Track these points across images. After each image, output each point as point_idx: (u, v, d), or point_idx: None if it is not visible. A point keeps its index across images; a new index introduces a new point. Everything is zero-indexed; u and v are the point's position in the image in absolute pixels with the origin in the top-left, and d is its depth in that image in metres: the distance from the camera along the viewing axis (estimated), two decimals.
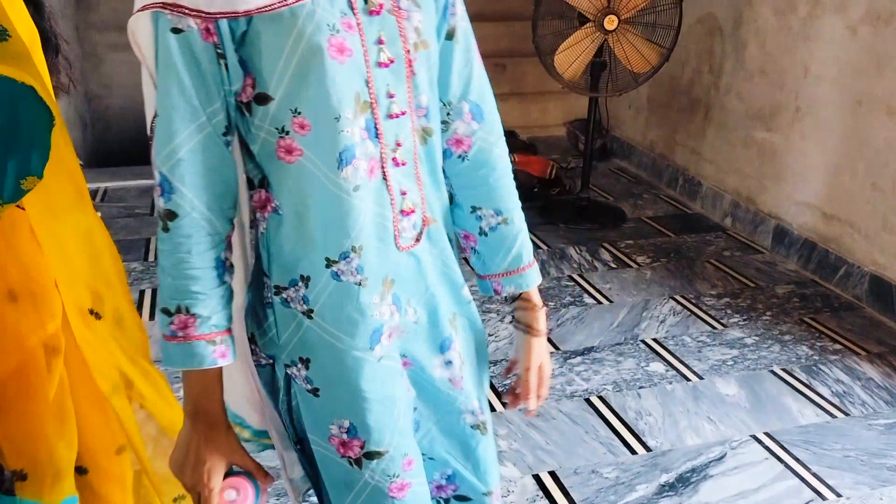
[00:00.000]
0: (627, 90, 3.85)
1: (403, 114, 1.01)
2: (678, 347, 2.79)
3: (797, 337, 2.87)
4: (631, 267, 3.44)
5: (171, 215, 0.96)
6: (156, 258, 3.34)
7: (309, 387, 1.07)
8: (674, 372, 2.64)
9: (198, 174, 0.95)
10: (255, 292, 1.09)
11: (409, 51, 1.00)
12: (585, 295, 3.16)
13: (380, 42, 0.97)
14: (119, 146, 5.31)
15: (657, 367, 2.66)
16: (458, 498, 1.24)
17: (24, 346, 1.25)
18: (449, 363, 1.14)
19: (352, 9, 0.95)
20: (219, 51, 0.93)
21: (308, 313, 1.04)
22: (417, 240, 1.07)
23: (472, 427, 1.19)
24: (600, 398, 2.47)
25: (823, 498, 2.06)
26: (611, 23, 3.54)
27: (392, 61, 0.99)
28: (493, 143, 1.14)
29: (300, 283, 1.03)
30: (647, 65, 3.66)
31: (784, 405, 2.46)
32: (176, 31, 0.91)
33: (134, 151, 5.15)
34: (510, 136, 5.12)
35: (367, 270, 1.02)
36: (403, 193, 1.04)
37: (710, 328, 2.93)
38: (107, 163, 4.97)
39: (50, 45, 1.41)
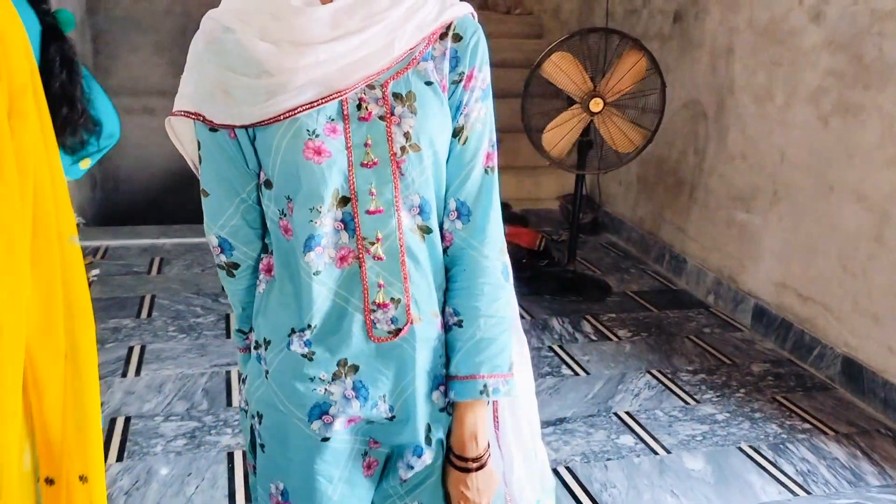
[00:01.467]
0: (612, 169, 4.00)
1: (382, 211, 1.07)
2: (650, 421, 2.84)
3: (768, 415, 2.92)
4: (611, 340, 3.52)
5: (235, 266, 1.17)
6: (149, 315, 3.46)
7: (260, 441, 1.16)
8: (643, 445, 2.69)
9: (246, 234, 1.14)
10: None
11: (395, 154, 1.06)
12: (563, 366, 3.23)
13: (365, 145, 1.06)
14: (126, 206, 5.49)
15: (627, 439, 2.71)
16: None
17: None
18: (409, 467, 1.15)
19: (342, 115, 1.06)
20: (241, 146, 1.09)
21: (266, 373, 1.14)
22: (396, 334, 1.09)
23: None
24: (567, 468, 2.52)
25: None
26: (596, 105, 3.71)
27: (376, 163, 1.06)
28: (473, 246, 1.13)
29: (263, 345, 1.14)
30: (632, 145, 3.81)
31: (748, 481, 2.50)
32: (212, 129, 1.08)
33: (138, 212, 5.33)
34: (503, 207, 5.28)
35: (317, 347, 1.09)
36: (381, 286, 1.08)
37: (683, 403, 2.99)
38: (113, 221, 5.14)
39: (73, 107, 1.57)
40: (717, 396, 3.04)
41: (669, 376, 3.19)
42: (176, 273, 3.97)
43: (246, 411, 1.20)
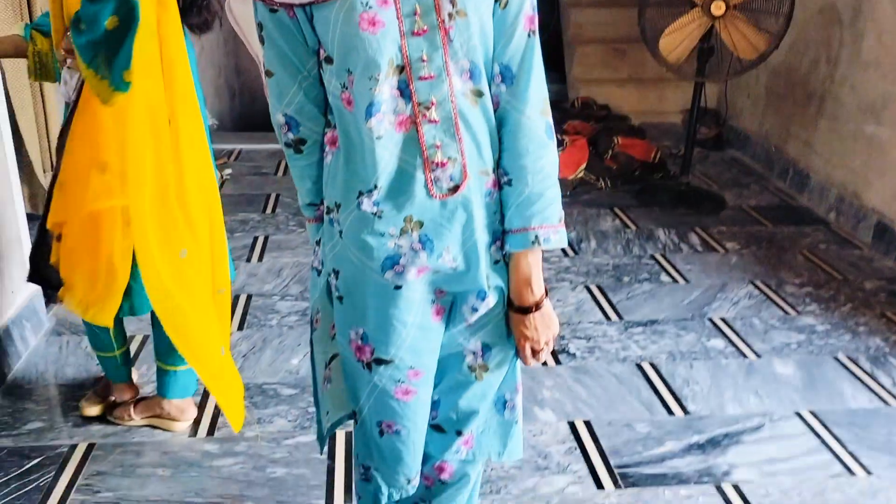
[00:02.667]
0: (733, 77, 3.84)
1: (434, 77, 1.15)
2: (744, 328, 2.83)
3: (872, 329, 2.83)
4: (717, 252, 3.47)
5: (303, 142, 1.26)
6: (273, 210, 3.75)
7: (338, 294, 1.30)
8: (733, 349, 2.69)
9: (310, 111, 1.24)
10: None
11: (443, 21, 1.14)
12: (663, 273, 3.24)
13: (415, 14, 1.14)
14: (260, 115, 5.82)
15: (717, 342, 2.73)
16: (434, 427, 1.37)
17: (96, 207, 1.70)
18: (474, 310, 1.26)
19: None
20: (300, 24, 1.19)
21: (340, 233, 1.27)
22: (454, 191, 1.17)
23: (468, 367, 1.31)
24: (651, 365, 2.58)
25: (852, 473, 2.09)
26: (718, 8, 3.56)
27: (425, 31, 1.14)
28: (517, 108, 1.20)
29: (335, 208, 1.27)
30: (755, 52, 3.64)
31: (838, 389, 2.47)
32: (272, 10, 1.18)
33: (269, 120, 5.64)
34: (621, 119, 5.19)
35: (384, 205, 1.18)
36: (437, 147, 1.16)
37: (782, 313, 2.94)
38: (248, 128, 5.49)
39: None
40: (821, 309, 2.97)
41: (773, 287, 3.13)
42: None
43: (319, 271, 1.34)
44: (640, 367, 2.57)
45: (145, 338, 2.58)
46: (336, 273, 1.28)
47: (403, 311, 1.23)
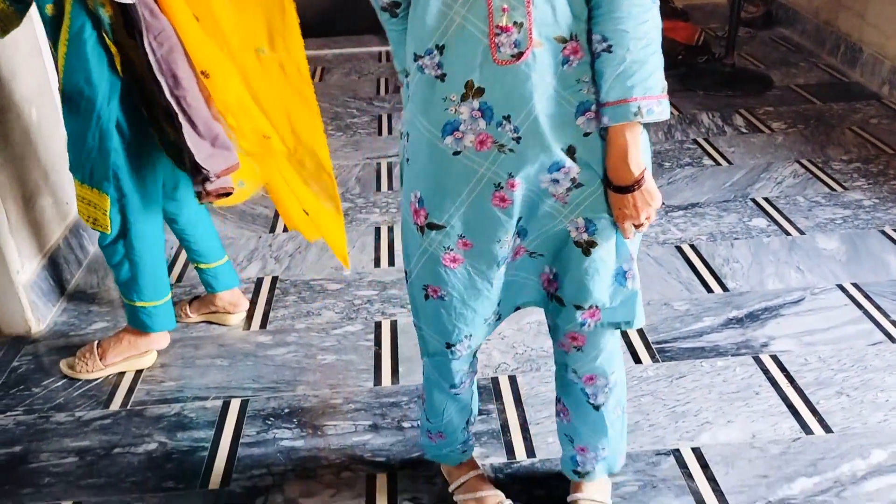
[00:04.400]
0: None
1: None
2: (788, 206, 2.79)
3: None
4: (763, 132, 3.39)
5: (397, 5, 1.25)
6: None
7: (406, 155, 1.31)
8: (775, 227, 2.67)
9: None
10: None
11: None
12: (706, 157, 3.19)
13: None
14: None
15: (759, 222, 2.70)
16: (555, 298, 1.36)
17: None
18: (555, 181, 1.21)
19: None
20: None
21: (408, 97, 1.27)
22: (518, 57, 1.12)
23: (574, 243, 1.28)
24: (691, 246, 2.58)
25: (893, 341, 2.09)
26: None
27: None
28: None
29: (406, 72, 1.27)
30: None
31: (883, 261, 2.44)
32: None
33: (305, 26, 5.58)
34: (663, 2, 4.98)
35: (447, 68, 1.16)
36: (504, 10, 1.10)
37: (828, 190, 2.88)
38: None
39: None
40: (869, 184, 2.90)
41: (819, 165, 3.06)
42: (336, 80, 4.24)
43: (401, 134, 1.35)
44: (679, 248, 2.57)
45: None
46: (406, 136, 1.29)
47: (457, 182, 1.23)
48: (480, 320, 1.38)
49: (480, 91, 1.16)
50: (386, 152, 3.40)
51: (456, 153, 1.21)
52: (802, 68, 4.10)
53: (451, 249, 1.29)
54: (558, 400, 1.56)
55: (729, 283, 2.39)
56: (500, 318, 1.44)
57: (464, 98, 1.17)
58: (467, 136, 1.19)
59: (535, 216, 1.27)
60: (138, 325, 2.07)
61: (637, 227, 1.24)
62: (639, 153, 1.18)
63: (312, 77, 4.26)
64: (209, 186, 1.80)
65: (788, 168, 3.06)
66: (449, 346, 1.40)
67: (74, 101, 1.76)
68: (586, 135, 1.18)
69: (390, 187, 3.09)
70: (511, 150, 1.19)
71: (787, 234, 2.62)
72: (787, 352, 2.08)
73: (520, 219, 1.27)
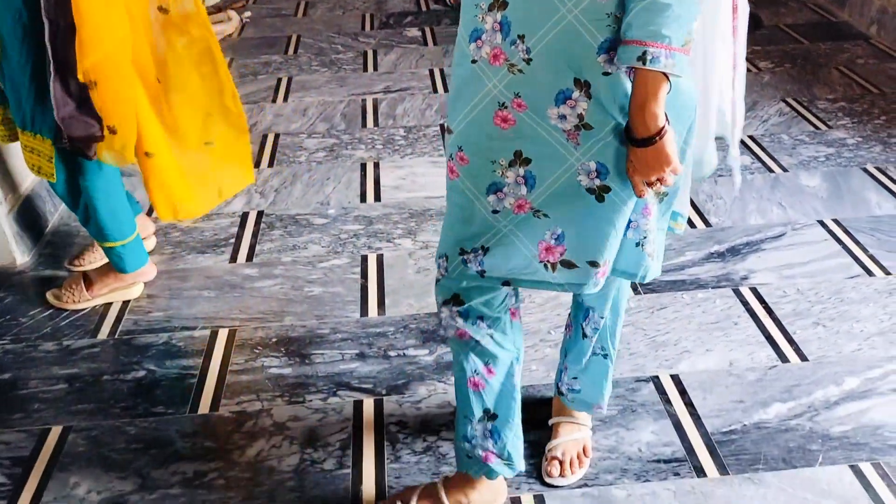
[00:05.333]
0: None
1: None
2: (772, 144, 2.80)
3: None
4: (749, 71, 3.38)
5: None
6: (295, 52, 3.72)
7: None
8: (759, 164, 2.69)
9: None
10: None
11: None
12: None
13: None
14: None
15: (743, 160, 2.72)
16: (564, 263, 1.25)
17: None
18: (562, 117, 1.15)
19: None
20: None
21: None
22: None
23: (586, 189, 1.19)
24: None
25: (871, 274, 2.14)
26: None
27: None
28: None
29: None
30: None
31: (864, 198, 2.48)
32: None
33: None
34: None
35: None
36: None
37: (813, 128, 2.90)
38: None
39: None
40: (854, 122, 2.91)
41: (805, 104, 3.07)
42: (319, 15, 4.17)
43: None
44: None
45: None
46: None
47: (470, 89, 1.21)
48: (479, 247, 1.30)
49: (504, 4, 1.13)
50: (371, 88, 3.36)
51: (474, 61, 1.19)
52: (791, 8, 4.08)
53: (452, 158, 1.27)
54: (570, 314, 1.59)
55: (712, 218, 2.41)
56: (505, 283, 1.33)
57: (490, 8, 1.15)
58: (485, 47, 1.17)
59: (544, 158, 1.20)
60: (116, 263, 2.07)
61: (649, 185, 1.16)
62: (657, 107, 1.08)
63: (295, 13, 4.20)
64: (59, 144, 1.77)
65: (774, 107, 3.07)
66: (462, 251, 1.29)
67: None
68: (606, 74, 1.11)
69: (376, 123, 3.07)
70: (520, 71, 1.15)
71: (771, 171, 2.64)
72: (767, 284, 2.12)
73: (528, 160, 1.20)
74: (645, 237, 1.27)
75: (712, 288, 2.11)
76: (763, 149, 2.78)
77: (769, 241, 2.30)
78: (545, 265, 1.25)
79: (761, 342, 1.92)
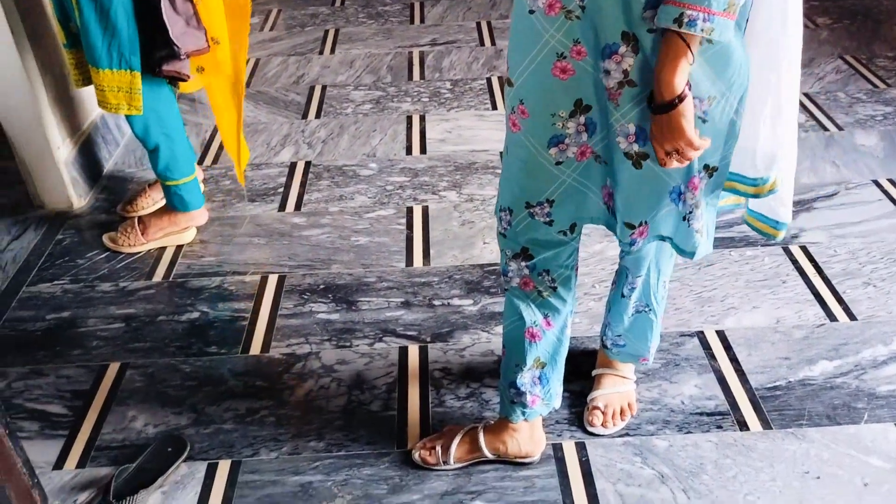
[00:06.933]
0: None
1: None
2: (828, 102, 2.73)
3: None
4: (807, 27, 3.28)
5: None
6: (342, 3, 3.72)
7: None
8: (813, 122, 2.63)
9: None
10: None
11: None
12: None
13: None
14: None
15: (798, 117, 2.65)
16: (611, 211, 1.28)
17: None
18: (607, 72, 1.13)
19: None
20: None
21: None
22: None
23: (623, 153, 1.18)
24: None
25: None
26: None
27: None
28: None
29: None
30: None
31: None
32: None
33: None
34: None
35: None
36: None
37: (871, 87, 2.81)
38: None
39: None
40: None
41: (864, 62, 2.98)
42: None
43: None
44: None
45: None
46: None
47: (529, 40, 1.19)
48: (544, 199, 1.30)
49: None
50: (417, 41, 3.35)
51: (531, 11, 1.17)
52: None
53: (514, 111, 1.25)
54: (616, 272, 1.60)
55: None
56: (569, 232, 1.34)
57: None
58: (551, 7, 1.13)
59: (603, 102, 1.17)
60: (176, 203, 2.12)
61: (667, 155, 1.12)
62: (675, 74, 1.04)
63: None
64: (167, 67, 1.86)
65: (831, 64, 2.98)
66: (527, 204, 1.30)
67: None
68: (650, 31, 1.07)
69: (422, 76, 3.06)
70: (577, 18, 1.12)
71: (826, 129, 2.58)
72: (817, 243, 2.09)
73: (588, 107, 1.19)
74: (691, 212, 1.23)
75: (762, 245, 2.09)
76: (818, 106, 2.71)
77: (821, 199, 2.26)
78: (607, 207, 1.28)
79: (810, 300, 1.91)
